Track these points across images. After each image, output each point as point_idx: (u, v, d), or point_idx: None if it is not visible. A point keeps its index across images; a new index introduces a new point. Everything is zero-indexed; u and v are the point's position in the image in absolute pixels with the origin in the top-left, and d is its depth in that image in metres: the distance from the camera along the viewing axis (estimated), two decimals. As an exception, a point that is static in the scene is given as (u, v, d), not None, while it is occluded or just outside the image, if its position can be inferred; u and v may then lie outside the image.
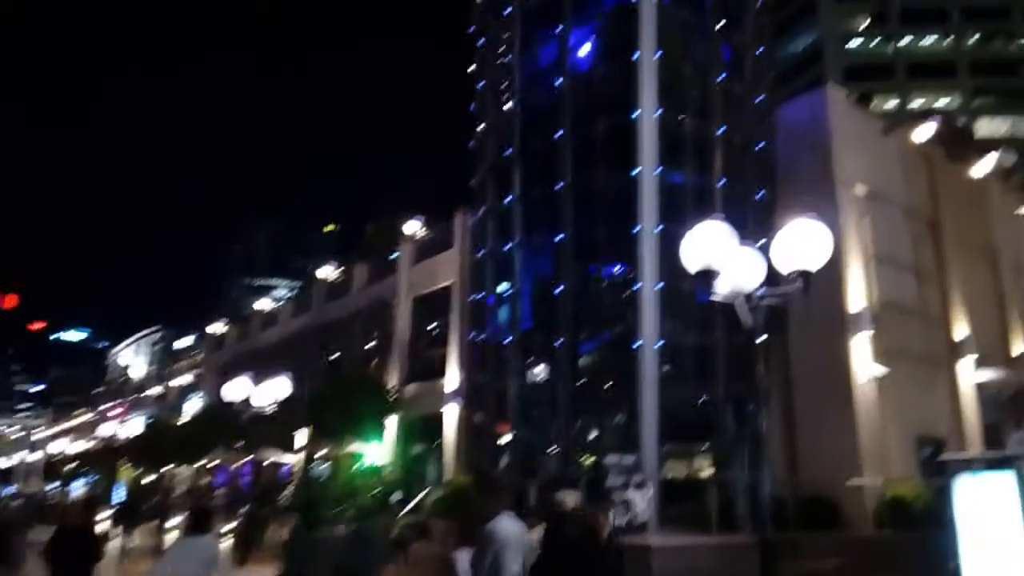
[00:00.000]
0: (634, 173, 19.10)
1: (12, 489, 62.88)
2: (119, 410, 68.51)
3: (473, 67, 26.28)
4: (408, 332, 30.02)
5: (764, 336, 8.29)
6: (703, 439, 19.12)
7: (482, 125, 24.94)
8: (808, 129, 21.21)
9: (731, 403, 18.88)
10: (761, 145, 21.41)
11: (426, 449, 27.64)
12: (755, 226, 19.99)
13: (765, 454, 16.48)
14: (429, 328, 29.49)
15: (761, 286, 8.60)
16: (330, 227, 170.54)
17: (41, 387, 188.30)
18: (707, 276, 8.48)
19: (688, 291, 18.26)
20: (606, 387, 19.93)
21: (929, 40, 73.88)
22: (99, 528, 13.98)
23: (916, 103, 69.03)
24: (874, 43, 74.32)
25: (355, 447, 26.42)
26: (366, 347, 33.14)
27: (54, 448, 66.51)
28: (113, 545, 20.22)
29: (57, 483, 56.59)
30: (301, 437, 29.96)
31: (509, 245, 22.08)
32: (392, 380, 29.10)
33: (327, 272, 38.63)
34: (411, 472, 26.99)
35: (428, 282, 29.31)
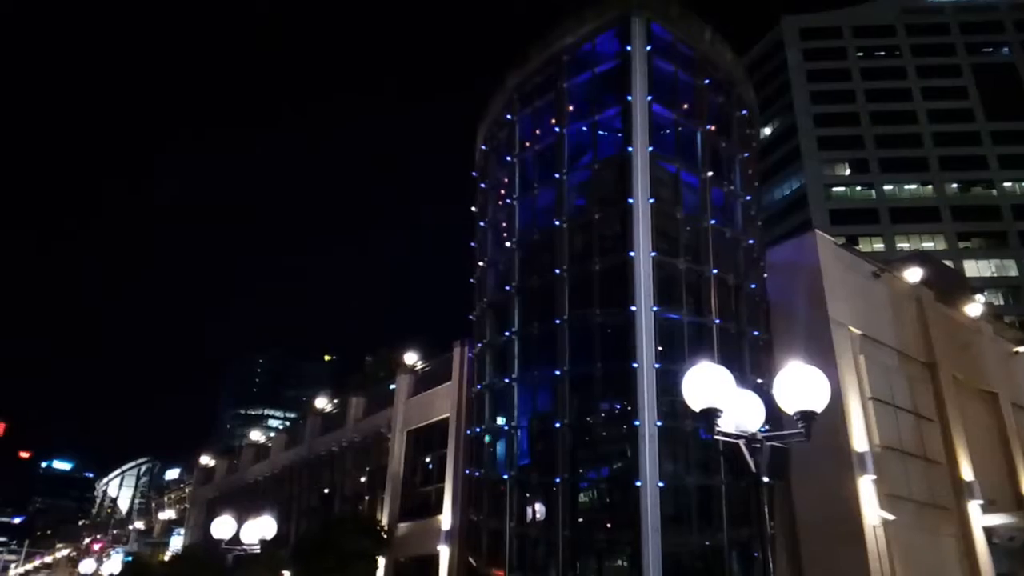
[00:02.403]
0: (631, 310, 19.44)
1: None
2: (100, 545, 65.46)
3: (475, 207, 27.45)
4: (402, 466, 29.37)
5: (767, 479, 8.20)
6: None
7: (482, 261, 25.69)
8: (799, 272, 21.84)
9: (736, 548, 18.25)
10: (754, 286, 22.01)
11: (418, 594, 26.32)
12: (752, 365, 20.23)
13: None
14: (424, 462, 28.89)
15: (763, 427, 8.60)
16: (328, 357, 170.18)
17: (20, 519, 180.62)
18: (709, 415, 8.46)
19: (689, 430, 18.20)
20: (606, 528, 19.32)
21: (911, 186, 77.27)
22: None
23: (901, 246, 71.21)
24: (858, 189, 77.66)
25: (343, 590, 25.09)
26: (359, 481, 32.32)
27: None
28: None
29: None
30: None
31: (507, 379, 22.12)
32: (384, 518, 28.15)
33: (323, 403, 38.30)
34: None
35: (424, 415, 29.01)
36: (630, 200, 20.48)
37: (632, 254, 19.91)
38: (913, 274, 25.16)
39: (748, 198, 23.73)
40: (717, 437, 8.42)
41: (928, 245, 72.13)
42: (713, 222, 21.61)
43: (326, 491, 34.44)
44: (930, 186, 76.81)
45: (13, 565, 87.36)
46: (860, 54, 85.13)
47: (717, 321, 20.38)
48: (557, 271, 21.26)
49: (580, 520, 19.25)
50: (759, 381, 18.71)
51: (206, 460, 51.19)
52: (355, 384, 42.03)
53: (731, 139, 23.78)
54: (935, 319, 25.06)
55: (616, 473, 19.62)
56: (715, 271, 20.93)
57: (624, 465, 18.90)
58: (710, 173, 22.30)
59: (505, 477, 21.03)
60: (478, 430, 23.38)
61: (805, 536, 19.14)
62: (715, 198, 22.29)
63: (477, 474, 22.94)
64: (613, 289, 20.10)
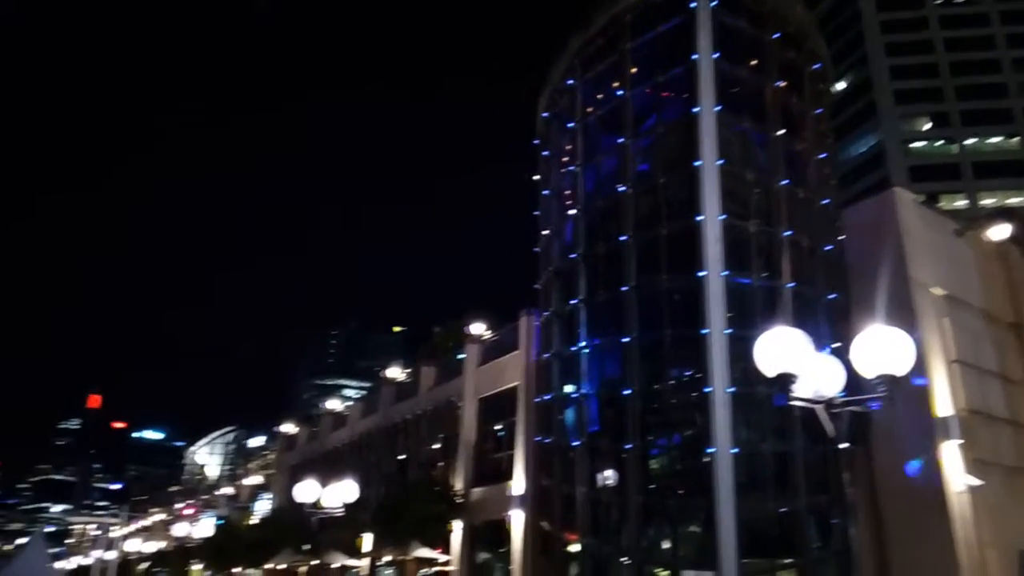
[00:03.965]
0: (700, 275, 19.13)
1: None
2: (192, 510, 69.38)
3: (538, 176, 27.35)
4: (474, 434, 29.91)
5: (847, 444, 8.04)
6: (786, 554, 18.10)
7: (546, 230, 25.65)
8: (878, 231, 20.99)
9: (814, 515, 17.98)
10: (830, 247, 21.32)
11: (493, 556, 26.96)
12: (829, 328, 19.69)
13: (856, 570, 15.48)
14: (495, 429, 29.36)
15: (842, 391, 8.41)
16: (397, 329, 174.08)
17: (119, 485, 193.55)
18: (785, 380, 8.29)
19: (763, 396, 17.91)
20: (679, 494, 19.31)
21: (995, 139, 72.93)
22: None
23: (986, 202, 67.46)
24: (938, 143, 73.79)
25: (421, 552, 25.96)
26: (432, 448, 33.12)
27: (130, 547, 67.24)
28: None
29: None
30: (368, 541, 29.69)
31: (575, 347, 22.16)
32: (458, 483, 28.82)
33: (395, 373, 39.23)
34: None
35: (494, 383, 29.39)
36: (697, 162, 20.05)
37: (700, 218, 19.54)
38: (999, 231, 23.91)
39: (822, 156, 22.92)
40: (793, 402, 8.29)
41: (1014, 201, 68.02)
42: (785, 182, 20.96)
43: (402, 457, 35.44)
44: (1016, 138, 72.25)
45: (114, 528, 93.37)
46: (938, 1, 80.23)
47: (791, 285, 19.87)
48: (623, 237, 21.06)
49: (652, 486, 19.30)
50: (837, 345, 18.23)
51: (288, 428, 53.21)
52: (425, 354, 42.82)
53: (803, 95, 22.92)
54: (1023, 279, 23.83)
55: (688, 440, 19.53)
56: (788, 233, 20.36)
57: (696, 432, 18.79)
58: (781, 131, 21.59)
59: (575, 444, 21.19)
60: (547, 398, 23.58)
61: (887, 503, 18.69)
62: (787, 157, 21.59)
63: (547, 441, 23.19)
64: (681, 254, 19.80)
